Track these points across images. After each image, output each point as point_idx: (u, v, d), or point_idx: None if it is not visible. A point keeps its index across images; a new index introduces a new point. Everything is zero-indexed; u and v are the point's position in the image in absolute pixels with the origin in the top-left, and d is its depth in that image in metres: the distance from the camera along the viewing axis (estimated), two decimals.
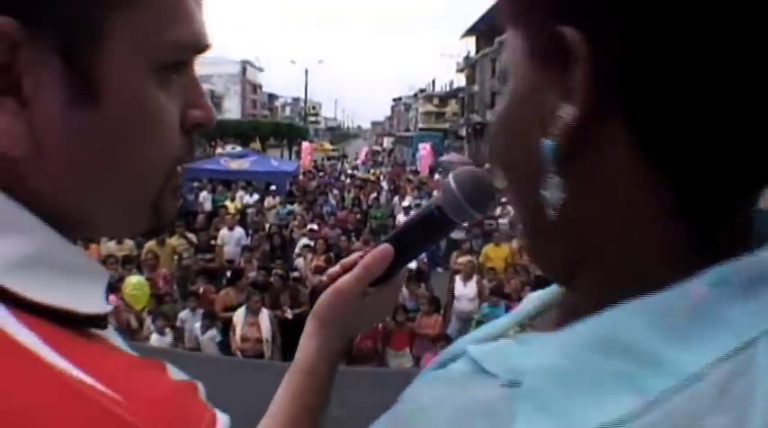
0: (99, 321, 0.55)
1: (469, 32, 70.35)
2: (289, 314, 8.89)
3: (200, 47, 0.59)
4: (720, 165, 0.43)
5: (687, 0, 0.40)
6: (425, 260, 11.46)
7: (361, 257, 0.88)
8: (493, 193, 0.81)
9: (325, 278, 0.92)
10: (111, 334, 0.58)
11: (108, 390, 0.46)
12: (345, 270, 0.89)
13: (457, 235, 14.77)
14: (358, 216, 15.86)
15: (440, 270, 11.07)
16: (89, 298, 0.54)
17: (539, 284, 7.17)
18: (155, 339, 7.73)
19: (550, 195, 0.47)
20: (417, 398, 0.59)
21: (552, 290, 0.66)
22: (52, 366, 0.45)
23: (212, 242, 12.23)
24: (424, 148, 33.10)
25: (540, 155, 0.47)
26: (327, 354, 0.88)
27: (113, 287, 7.44)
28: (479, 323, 8.39)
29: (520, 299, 8.46)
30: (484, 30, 63.26)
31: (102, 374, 0.47)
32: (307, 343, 0.89)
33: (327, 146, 67.78)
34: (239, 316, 8.11)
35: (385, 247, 0.86)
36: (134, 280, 7.93)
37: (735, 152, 0.43)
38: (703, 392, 0.38)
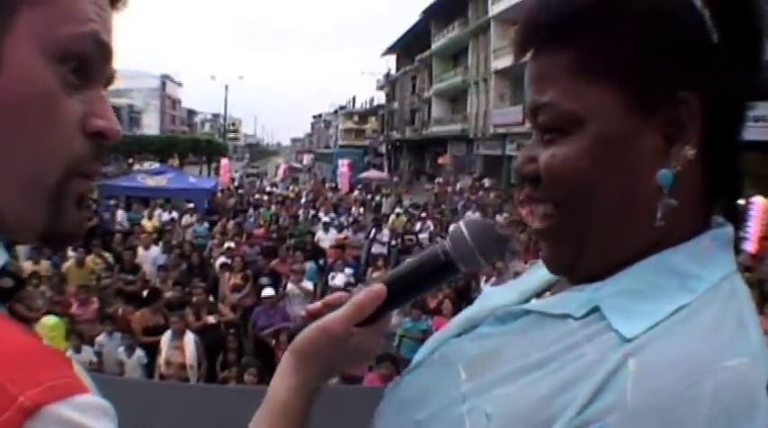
0: None
1: (390, 50, 70.99)
2: (211, 318, 8.86)
3: (98, 41, 0.65)
4: (731, 182, 0.76)
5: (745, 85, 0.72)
6: (353, 279, 11.42)
7: (347, 296, 0.87)
8: (500, 244, 0.86)
9: (303, 313, 0.90)
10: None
11: None
12: (326, 306, 0.87)
13: (377, 250, 14.85)
14: (274, 234, 15.69)
15: (360, 286, 10.98)
16: None
17: (459, 296, 7.25)
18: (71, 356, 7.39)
19: (665, 207, 0.70)
20: (469, 349, 0.80)
21: (539, 277, 0.88)
22: None
23: (136, 261, 11.90)
24: (344, 165, 33.17)
25: (653, 180, 0.70)
26: (307, 393, 0.84)
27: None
28: (402, 337, 8.42)
29: (440, 312, 8.60)
30: (404, 48, 63.98)
31: None
32: (284, 380, 0.84)
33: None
34: (165, 338, 7.92)
35: (379, 288, 0.84)
36: (50, 323, 7.59)
37: (736, 175, 0.76)
38: (724, 290, 0.69)
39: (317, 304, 0.90)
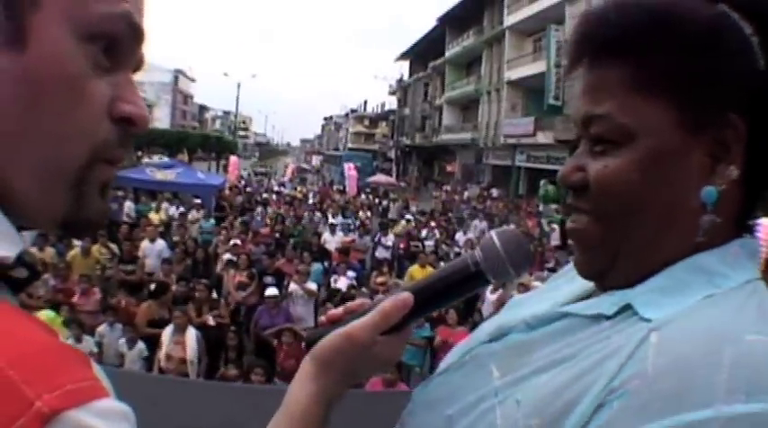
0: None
1: (404, 56, 71.09)
2: (211, 320, 8.82)
3: (130, 22, 0.62)
4: (759, 198, 0.78)
5: None
6: (354, 282, 11.42)
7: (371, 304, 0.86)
8: (531, 255, 0.85)
9: (323, 318, 0.89)
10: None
11: None
12: (348, 313, 0.87)
13: (382, 254, 14.85)
14: (277, 234, 15.75)
15: (364, 290, 11.09)
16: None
17: (465, 305, 7.24)
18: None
19: (707, 223, 0.73)
20: (501, 352, 0.81)
21: (573, 290, 0.89)
22: None
23: (137, 253, 11.93)
24: (350, 168, 33.19)
25: (696, 196, 0.73)
26: (326, 400, 0.83)
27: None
28: None
29: (442, 319, 8.60)
30: (418, 54, 64.02)
31: None
32: (304, 386, 0.83)
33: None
34: (167, 333, 7.93)
35: (406, 296, 0.83)
36: (47, 317, 7.59)
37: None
38: (745, 289, 0.71)
39: (338, 310, 0.89)
